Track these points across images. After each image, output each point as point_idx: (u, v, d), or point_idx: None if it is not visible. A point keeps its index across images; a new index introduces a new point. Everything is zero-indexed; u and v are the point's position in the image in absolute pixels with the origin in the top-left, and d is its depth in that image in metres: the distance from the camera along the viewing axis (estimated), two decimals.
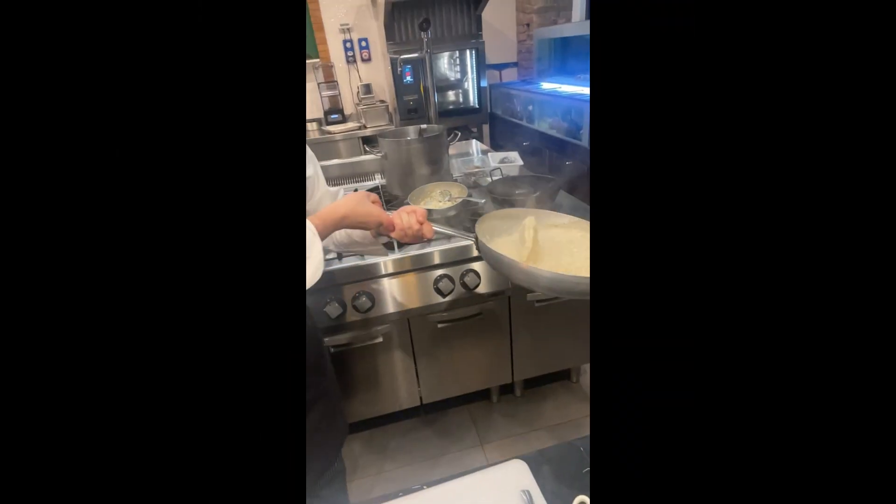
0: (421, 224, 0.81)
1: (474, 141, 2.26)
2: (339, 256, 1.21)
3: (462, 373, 1.50)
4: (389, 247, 1.24)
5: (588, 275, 0.57)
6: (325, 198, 0.91)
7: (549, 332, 1.50)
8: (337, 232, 0.86)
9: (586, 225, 0.75)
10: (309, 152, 0.86)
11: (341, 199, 0.81)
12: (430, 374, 1.46)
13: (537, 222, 0.74)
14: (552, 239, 0.74)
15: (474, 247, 0.76)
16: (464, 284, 1.28)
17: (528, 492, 0.55)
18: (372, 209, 0.78)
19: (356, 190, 0.87)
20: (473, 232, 0.75)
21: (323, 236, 0.72)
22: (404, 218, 0.81)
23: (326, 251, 0.91)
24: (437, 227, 0.83)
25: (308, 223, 0.71)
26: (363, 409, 1.46)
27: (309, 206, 0.87)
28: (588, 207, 1.45)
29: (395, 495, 0.62)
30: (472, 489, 0.59)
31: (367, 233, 0.86)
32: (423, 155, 1.49)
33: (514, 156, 1.76)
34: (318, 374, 0.91)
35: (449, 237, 1.24)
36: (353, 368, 1.37)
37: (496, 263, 0.69)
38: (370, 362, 1.38)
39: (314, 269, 0.68)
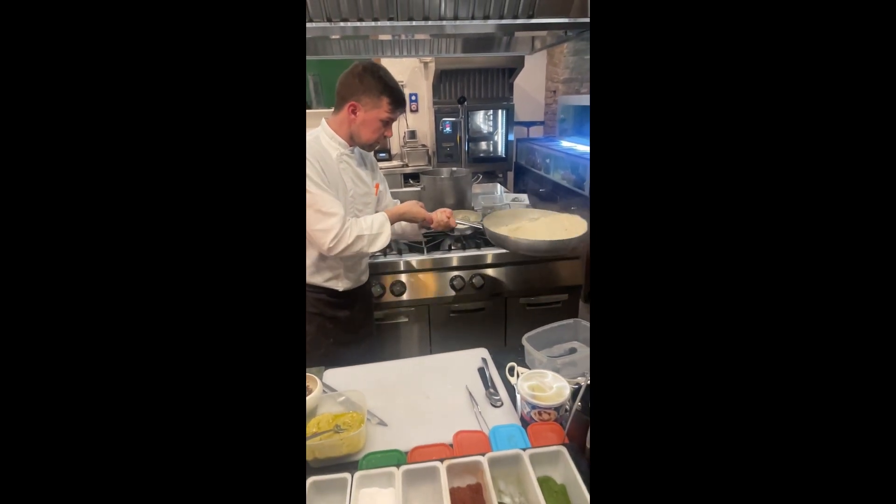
0: (449, 218, 1.36)
1: (498, 184, 2.77)
2: (385, 253, 1.71)
3: None
4: (419, 250, 1.73)
5: (549, 238, 1.14)
6: (389, 204, 1.50)
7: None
8: (395, 225, 1.41)
9: (552, 213, 1.35)
10: (383, 179, 1.44)
11: (402, 204, 1.38)
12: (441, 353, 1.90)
13: (521, 217, 1.30)
14: (531, 224, 1.29)
15: (485, 235, 1.34)
16: (472, 284, 1.74)
17: (485, 359, 0.98)
18: (421, 209, 1.35)
19: None
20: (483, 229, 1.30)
21: (391, 222, 1.27)
22: (438, 215, 1.36)
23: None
24: (458, 221, 1.38)
25: (382, 213, 1.26)
26: None
27: (380, 206, 1.44)
28: None
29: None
30: (450, 359, 1.03)
31: (415, 226, 1.43)
32: (452, 190, 2.01)
33: (524, 196, 2.24)
34: (370, 317, 1.41)
35: (464, 247, 1.74)
36: (383, 340, 1.83)
37: (494, 238, 1.26)
38: (396, 337, 1.83)
39: (384, 240, 1.24)
